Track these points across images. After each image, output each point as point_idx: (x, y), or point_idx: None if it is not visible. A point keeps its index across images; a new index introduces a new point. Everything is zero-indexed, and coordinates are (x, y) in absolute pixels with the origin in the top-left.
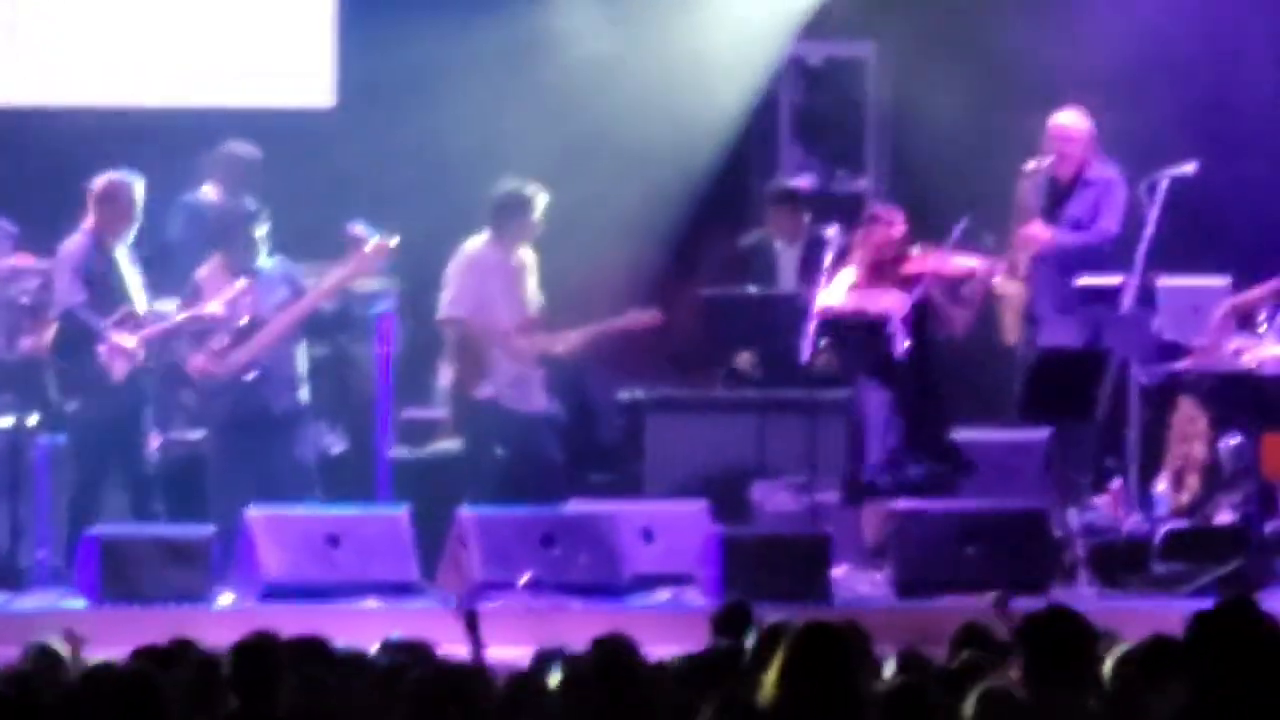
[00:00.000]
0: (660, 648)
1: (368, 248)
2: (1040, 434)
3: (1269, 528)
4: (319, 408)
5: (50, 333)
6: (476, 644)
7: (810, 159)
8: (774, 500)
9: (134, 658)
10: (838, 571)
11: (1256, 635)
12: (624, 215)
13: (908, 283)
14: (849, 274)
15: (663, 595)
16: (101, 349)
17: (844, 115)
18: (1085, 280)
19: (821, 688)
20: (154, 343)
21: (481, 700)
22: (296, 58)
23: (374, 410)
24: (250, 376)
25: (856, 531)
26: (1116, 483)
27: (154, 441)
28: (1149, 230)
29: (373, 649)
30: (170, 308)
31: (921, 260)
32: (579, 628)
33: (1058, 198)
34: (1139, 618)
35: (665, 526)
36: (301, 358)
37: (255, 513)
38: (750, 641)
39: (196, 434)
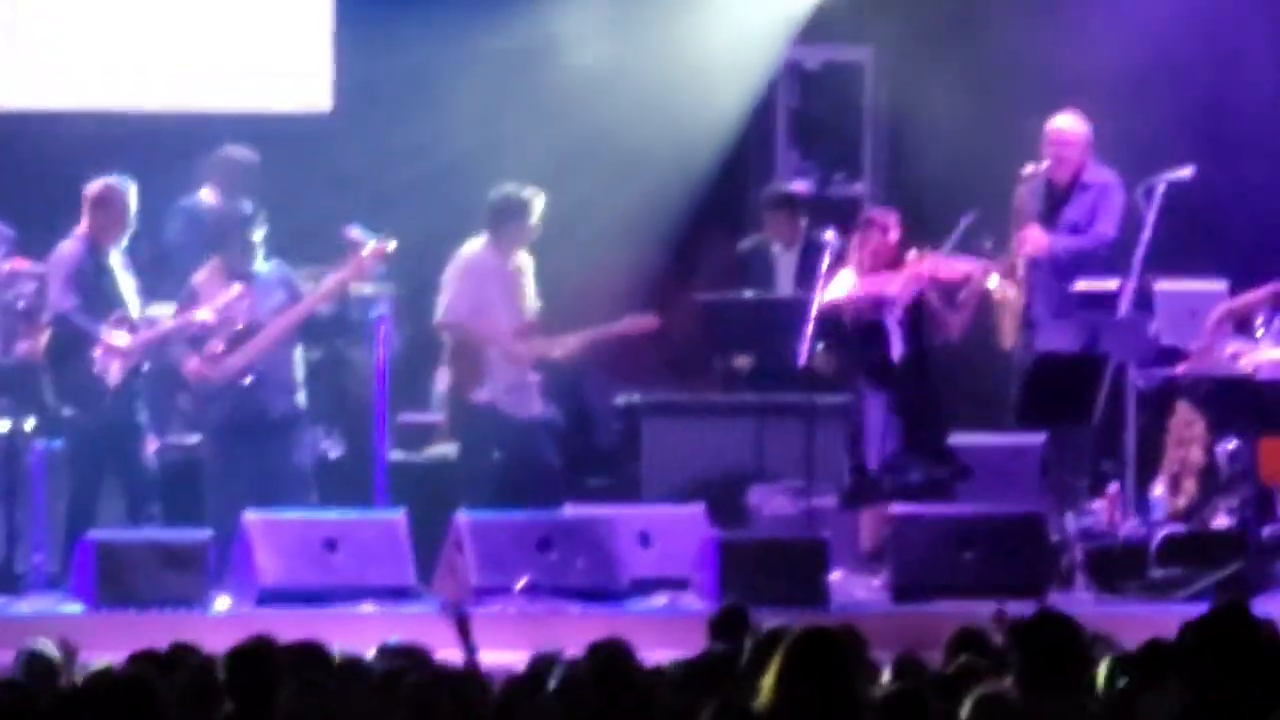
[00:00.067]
0: (657, 652)
1: (365, 252)
2: (1037, 438)
3: (1266, 532)
4: (316, 412)
5: (45, 338)
6: (469, 649)
7: (807, 163)
8: (771, 504)
9: (131, 662)
10: (835, 576)
11: (1248, 640)
12: (621, 219)
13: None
14: (847, 276)
15: (660, 600)
16: (96, 352)
17: (841, 119)
18: (1082, 284)
19: (818, 692)
20: (149, 347)
21: (478, 705)
22: (294, 62)
23: (371, 414)
24: (247, 381)
25: (854, 536)
26: (1113, 487)
27: (151, 446)
28: (1146, 234)
29: (370, 653)
30: (167, 312)
31: (917, 263)
32: (576, 632)
33: (1055, 202)
34: (1136, 622)
35: (662, 531)
36: (298, 362)
37: (252, 517)
38: (747, 646)
39: (193, 438)
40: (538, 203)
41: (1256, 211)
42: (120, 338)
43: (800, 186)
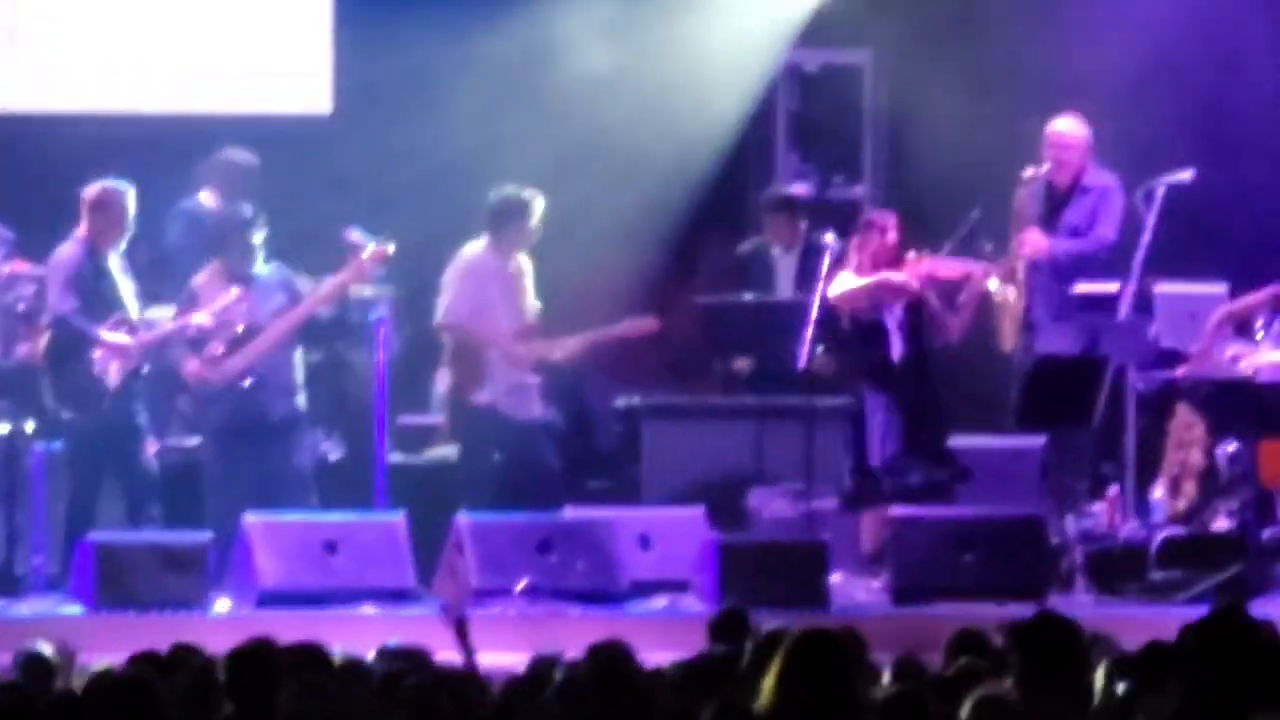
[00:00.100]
0: (657, 654)
1: (365, 254)
2: (1037, 441)
3: (1266, 534)
4: (316, 414)
5: (44, 340)
6: (467, 651)
7: (807, 166)
8: (771, 507)
9: (131, 663)
10: (835, 578)
11: (1247, 642)
12: (621, 222)
13: (899, 295)
14: (846, 278)
15: (660, 602)
16: (96, 353)
17: (840, 122)
18: (1082, 287)
19: (819, 694)
20: (149, 349)
21: (478, 707)
22: (294, 64)
23: (371, 416)
24: (247, 383)
25: (854, 538)
26: (1113, 489)
27: (151, 448)
28: (1146, 237)
29: (370, 656)
30: (167, 315)
31: (916, 264)
32: (576, 634)
33: (1055, 205)
34: (1136, 625)
35: (662, 533)
36: (298, 364)
37: (252, 519)
38: (747, 648)
39: (193, 440)
40: (537, 204)
41: (1257, 214)
42: (120, 336)
43: (800, 189)
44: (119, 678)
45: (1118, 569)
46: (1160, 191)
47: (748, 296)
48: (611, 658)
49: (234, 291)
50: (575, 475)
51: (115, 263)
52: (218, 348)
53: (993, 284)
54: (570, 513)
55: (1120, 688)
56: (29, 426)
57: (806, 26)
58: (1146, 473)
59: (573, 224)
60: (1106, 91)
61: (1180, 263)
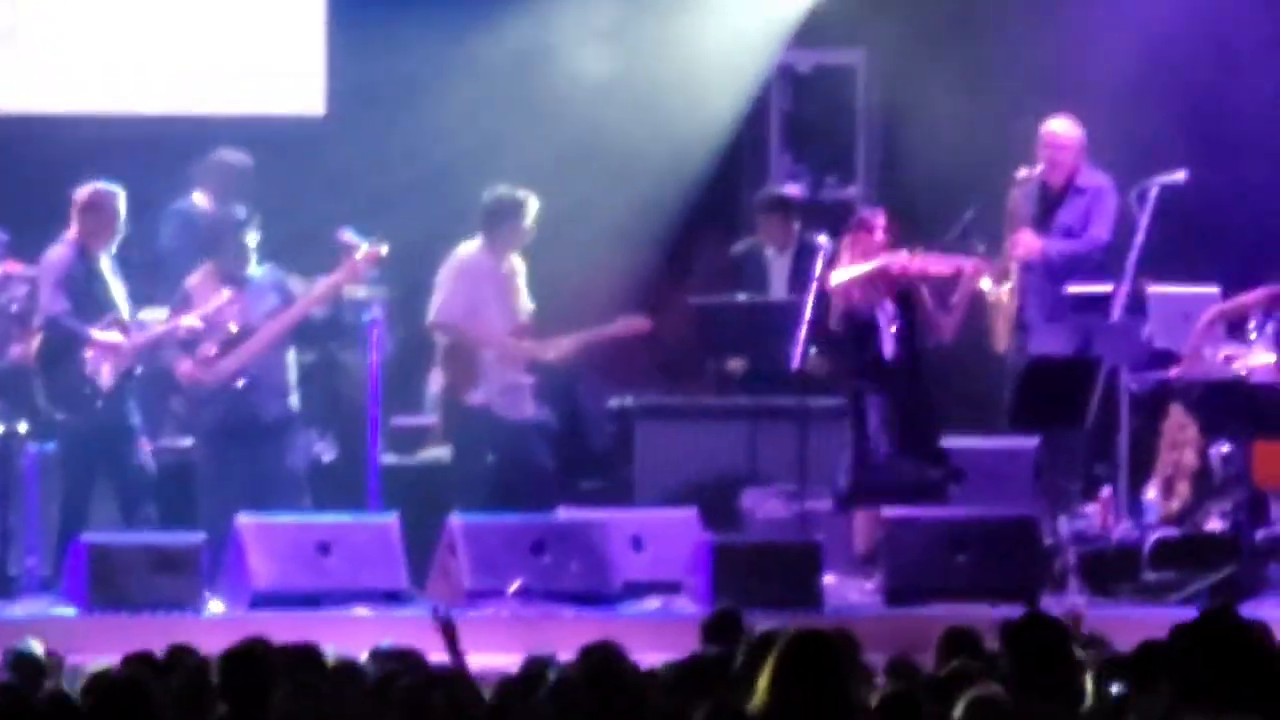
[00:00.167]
0: (650, 655)
1: (359, 255)
2: (1030, 442)
3: (1259, 535)
4: (309, 415)
5: (36, 342)
6: (456, 654)
7: (800, 166)
8: (764, 508)
9: (125, 664)
10: (828, 579)
11: (1238, 642)
12: (615, 222)
13: (895, 283)
14: (845, 270)
15: (653, 603)
16: (89, 354)
17: (834, 122)
18: (1075, 288)
19: (812, 695)
20: (141, 351)
21: (471, 708)
22: (287, 66)
23: (364, 417)
24: (240, 384)
25: (847, 539)
26: (1106, 490)
27: (145, 449)
28: (1139, 238)
29: (363, 657)
30: (160, 316)
31: (908, 262)
32: (569, 635)
33: (1049, 205)
34: (1129, 625)
35: (655, 534)
36: (291, 365)
37: (245, 520)
38: (740, 649)
39: (186, 441)
40: (531, 205)
41: (1250, 214)
42: (113, 335)
43: (793, 190)
44: (114, 678)
45: (1111, 570)
46: (1153, 192)
47: (741, 297)
48: (604, 659)
49: (225, 293)
50: (568, 476)
51: (106, 264)
52: (211, 349)
53: (986, 284)
54: (563, 514)
55: (1113, 689)
56: (22, 427)
57: (800, 27)
58: (1139, 474)
59: (566, 224)
60: (1100, 92)
61: (1173, 264)
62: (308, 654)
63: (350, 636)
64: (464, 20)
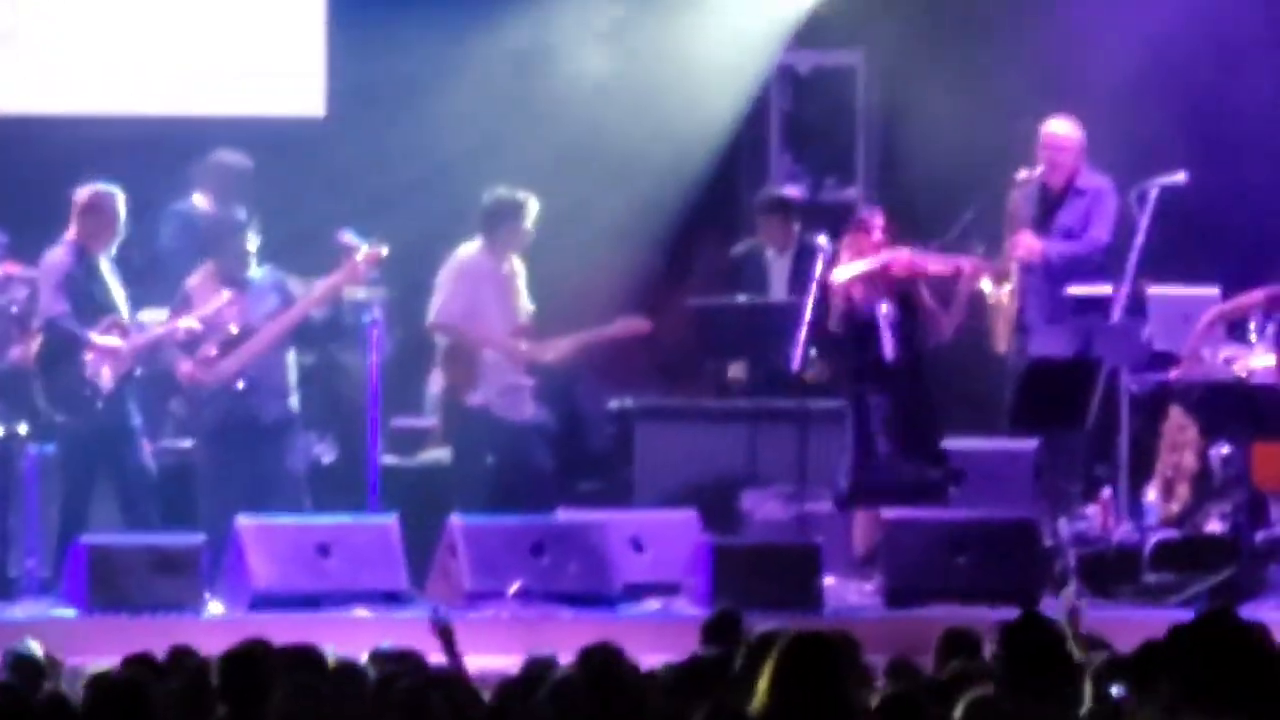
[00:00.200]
0: (650, 656)
1: (359, 256)
2: (1030, 443)
3: (1259, 537)
4: (309, 416)
5: (35, 343)
6: (453, 656)
7: (800, 167)
8: (764, 509)
9: (125, 665)
10: (827, 581)
11: (1237, 643)
12: (614, 223)
13: (894, 283)
14: (846, 269)
15: (652, 604)
16: (89, 356)
17: (834, 123)
18: (1076, 289)
19: (812, 696)
20: (141, 352)
21: (471, 709)
22: (287, 67)
23: (364, 419)
24: (240, 385)
25: (847, 541)
26: (1107, 492)
27: (145, 450)
28: (1139, 239)
29: (363, 658)
30: (160, 317)
31: (905, 263)
32: (569, 637)
33: (1049, 207)
34: (1130, 627)
35: (655, 535)
36: (291, 366)
37: (245, 521)
38: (740, 650)
39: (186, 443)
40: (531, 206)
41: (1250, 215)
42: (111, 340)
43: (794, 191)
44: (113, 680)
45: (1111, 572)
46: (1153, 193)
47: (741, 298)
48: (604, 660)
49: (225, 294)
50: (568, 477)
51: (106, 265)
52: (211, 350)
53: (986, 286)
54: (563, 515)
55: (1113, 690)
56: (22, 429)
57: (799, 28)
58: (1139, 475)
59: (566, 224)
60: (1100, 93)
61: (1174, 265)
62: (308, 655)
63: (350, 638)
64: (463, 21)
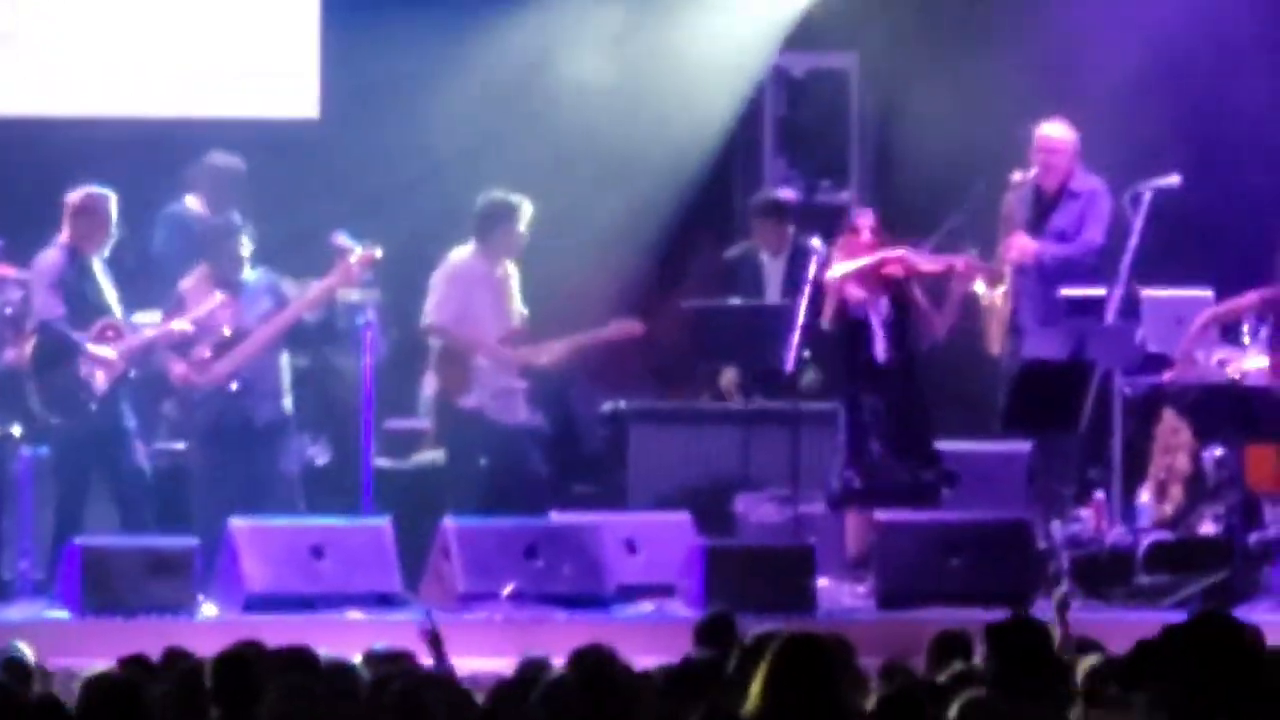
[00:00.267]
0: (644, 658)
1: (353, 259)
2: (1024, 446)
3: (1252, 539)
4: (302, 418)
5: (30, 345)
6: (441, 662)
7: (794, 170)
8: (758, 512)
9: (119, 667)
10: (821, 583)
11: (1230, 644)
12: (609, 225)
13: (888, 283)
14: (841, 267)
15: (646, 606)
16: (82, 365)
17: (828, 126)
18: (1069, 291)
19: (805, 699)
20: (134, 355)
21: (464, 711)
22: (281, 69)
23: (357, 421)
24: (233, 387)
25: (840, 543)
26: (1100, 494)
27: (140, 452)
28: (1133, 241)
29: (356, 660)
30: (153, 319)
31: (899, 261)
32: (562, 639)
33: (1043, 209)
34: (1123, 629)
35: (649, 538)
36: (285, 368)
37: (239, 524)
38: (734, 652)
39: (179, 445)
40: (525, 209)
41: (1243, 218)
42: (105, 350)
43: (788, 194)
44: (107, 681)
45: (1104, 574)
46: (1147, 196)
47: (735, 301)
48: (596, 662)
49: (218, 296)
50: (562, 480)
51: (99, 267)
52: (204, 352)
53: (980, 288)
54: (556, 517)
55: (1107, 691)
56: (16, 431)
57: (793, 30)
58: (1133, 477)
59: (561, 227)
60: (1095, 95)
61: (1167, 267)
62: (300, 657)
63: (344, 639)
64: (457, 22)
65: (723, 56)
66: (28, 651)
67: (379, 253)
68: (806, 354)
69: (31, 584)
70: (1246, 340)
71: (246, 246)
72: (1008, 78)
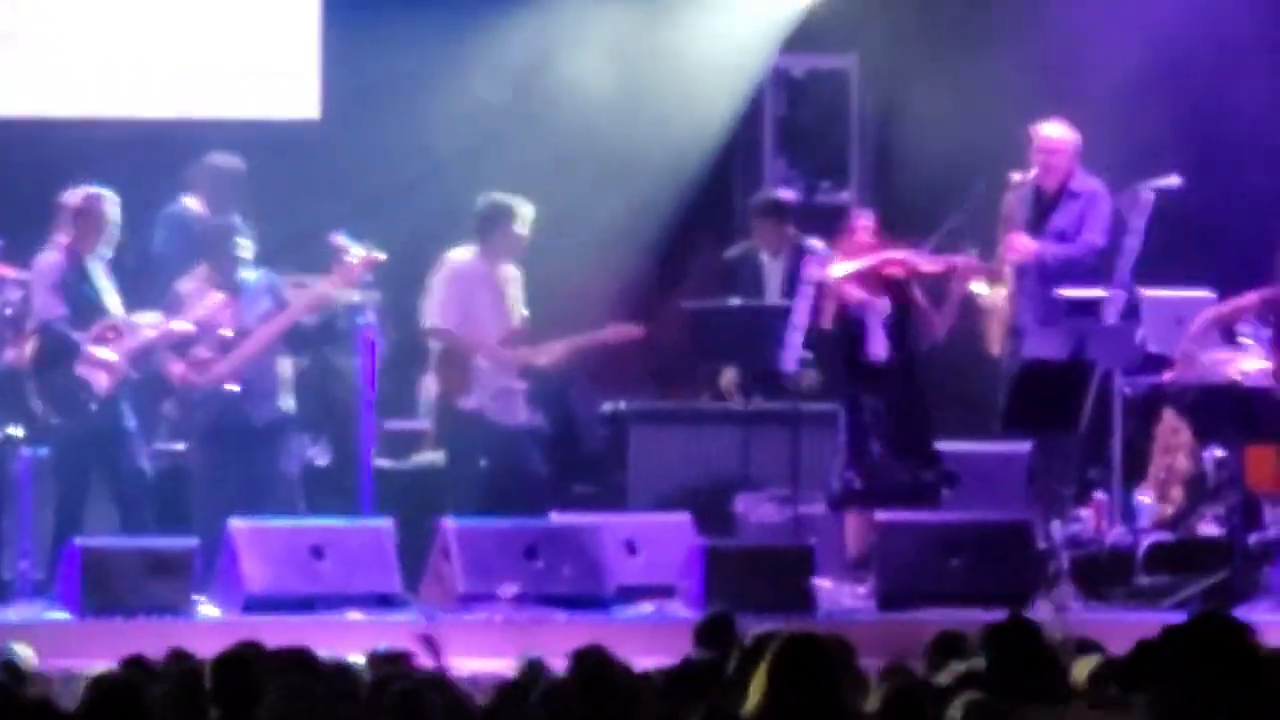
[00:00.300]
0: (644, 659)
1: (355, 261)
2: (1024, 446)
3: (1252, 540)
4: (302, 419)
5: (30, 346)
6: (439, 668)
7: (794, 171)
8: (758, 512)
9: (119, 668)
10: (821, 583)
11: (1228, 645)
12: (609, 226)
13: (887, 284)
14: (841, 267)
15: (646, 607)
16: (83, 366)
17: (828, 127)
18: (1069, 292)
19: (805, 699)
20: (136, 356)
21: (464, 712)
22: (282, 70)
23: (357, 422)
24: (233, 388)
25: (840, 543)
26: (1100, 494)
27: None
28: (1133, 242)
29: (356, 660)
30: (153, 319)
31: (900, 261)
32: (562, 640)
33: (1043, 209)
34: (1123, 630)
35: (649, 538)
36: (285, 369)
37: (238, 524)
38: (734, 653)
39: (179, 445)
40: (525, 211)
41: (1244, 217)
42: (106, 353)
43: (788, 194)
44: (106, 682)
45: (1104, 574)
46: (1147, 196)
47: (735, 301)
48: (595, 663)
49: (217, 296)
50: (562, 480)
51: (99, 268)
52: (204, 352)
53: (979, 288)
54: (556, 518)
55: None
56: (16, 432)
57: (793, 31)
58: (1133, 478)
59: (561, 227)
60: (1095, 95)
61: (1167, 267)
62: (300, 658)
63: (344, 640)
64: (457, 23)
65: (723, 57)
66: (27, 653)
67: (381, 256)
68: (807, 354)
69: (31, 584)
70: (1247, 341)
71: (246, 247)
72: (1008, 78)
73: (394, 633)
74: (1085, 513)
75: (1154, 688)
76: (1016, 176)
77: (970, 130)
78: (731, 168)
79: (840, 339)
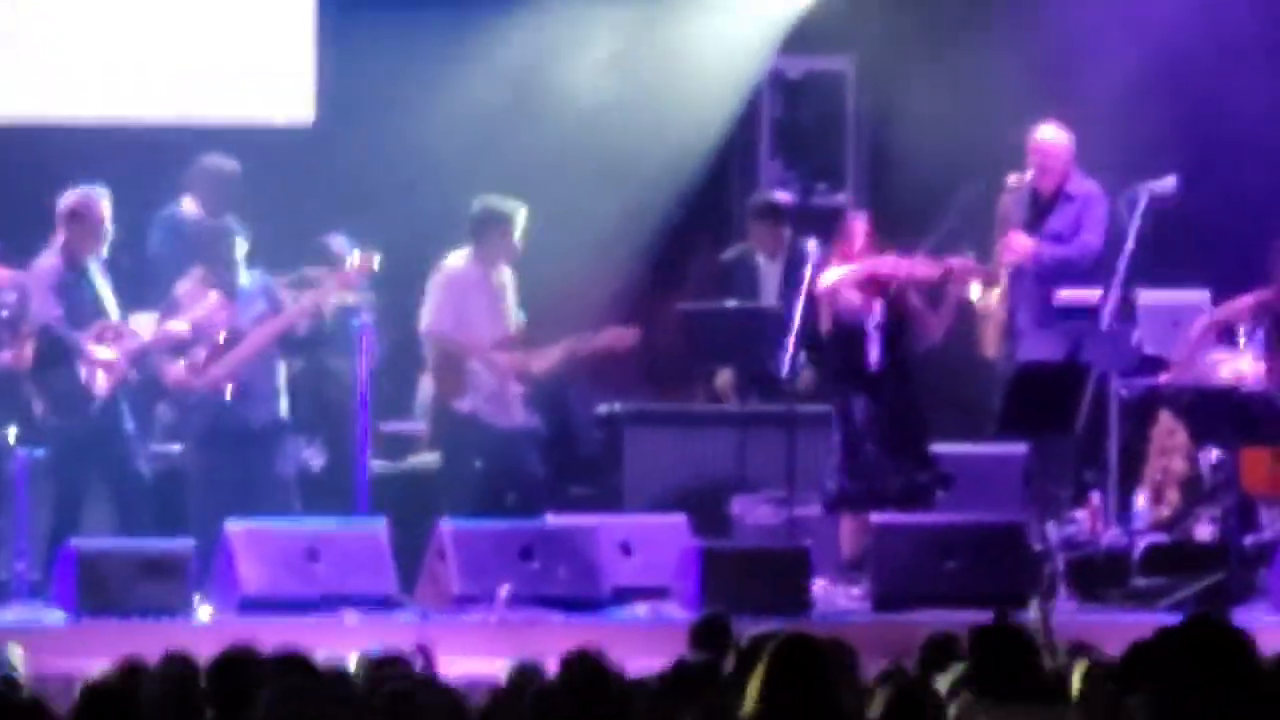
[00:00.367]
0: (639, 661)
1: (351, 264)
2: (1020, 448)
3: (1248, 542)
4: (298, 421)
5: (28, 347)
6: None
7: (790, 173)
8: (753, 514)
9: (114, 669)
10: (817, 585)
11: (1222, 647)
12: (606, 228)
13: (883, 287)
14: (834, 273)
15: (641, 609)
16: (82, 367)
17: (824, 129)
18: (1065, 294)
19: (801, 700)
20: (133, 358)
21: (457, 715)
22: (276, 73)
23: (353, 424)
24: (229, 390)
25: (835, 545)
26: (1096, 496)
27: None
28: (1129, 244)
29: (351, 662)
30: (149, 321)
31: (895, 264)
32: (558, 641)
33: (1039, 212)
34: (1118, 631)
35: (644, 540)
36: (280, 371)
37: (234, 526)
38: (729, 655)
39: (175, 447)
40: (519, 215)
41: (1240, 220)
42: (106, 352)
43: (784, 196)
44: (102, 684)
45: (1100, 576)
46: (1143, 199)
47: (731, 303)
48: (585, 667)
49: (213, 297)
50: (557, 482)
51: (95, 270)
52: (200, 355)
53: (975, 291)
54: (552, 519)
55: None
56: (12, 433)
57: (790, 33)
58: (1129, 480)
59: (557, 230)
60: (1091, 97)
61: (1163, 270)
62: (295, 660)
63: (339, 642)
64: (454, 26)
65: (719, 59)
66: (17, 653)
67: (377, 260)
68: (802, 356)
69: (27, 585)
70: (1242, 343)
71: (241, 249)
72: (1005, 79)
73: (389, 634)
74: (1081, 514)
75: (1149, 689)
76: (1013, 179)
77: (967, 132)
78: (728, 169)
79: (835, 343)
